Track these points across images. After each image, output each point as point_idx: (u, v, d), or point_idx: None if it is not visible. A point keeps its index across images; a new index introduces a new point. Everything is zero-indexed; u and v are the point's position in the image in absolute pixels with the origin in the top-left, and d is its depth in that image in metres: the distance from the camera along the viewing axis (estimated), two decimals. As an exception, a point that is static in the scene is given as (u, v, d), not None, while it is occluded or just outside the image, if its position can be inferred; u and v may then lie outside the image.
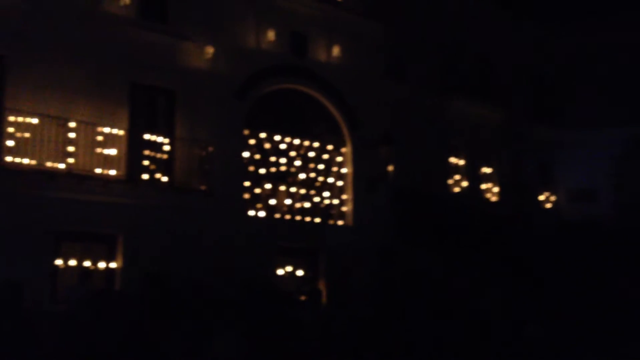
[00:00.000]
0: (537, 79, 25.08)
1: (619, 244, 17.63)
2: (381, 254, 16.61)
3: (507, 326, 12.61)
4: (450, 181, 21.58)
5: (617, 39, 23.69)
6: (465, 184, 21.96)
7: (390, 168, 18.15)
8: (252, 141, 16.58)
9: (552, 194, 24.72)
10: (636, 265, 16.07)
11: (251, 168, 16.49)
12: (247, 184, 16.26)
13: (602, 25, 23.90)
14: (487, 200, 22.65)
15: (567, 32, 24.42)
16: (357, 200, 17.85)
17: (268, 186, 16.63)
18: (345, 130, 18.11)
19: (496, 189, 22.97)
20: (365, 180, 17.99)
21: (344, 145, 18.12)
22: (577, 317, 13.37)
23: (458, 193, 21.65)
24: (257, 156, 16.63)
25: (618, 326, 12.80)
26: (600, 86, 23.91)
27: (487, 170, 22.89)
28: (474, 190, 22.18)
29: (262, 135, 16.74)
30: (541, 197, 24.49)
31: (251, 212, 16.22)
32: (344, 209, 17.84)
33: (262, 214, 16.39)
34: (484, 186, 22.73)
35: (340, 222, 17.72)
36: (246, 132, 16.40)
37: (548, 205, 24.66)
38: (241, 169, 16.16)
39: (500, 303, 14.10)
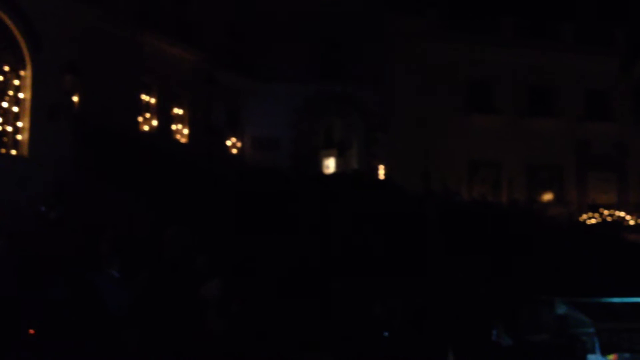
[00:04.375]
0: (234, 27, 25.77)
1: (290, 189, 19.23)
2: (56, 187, 15.77)
3: (180, 257, 13.06)
4: (139, 119, 21.26)
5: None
6: (155, 123, 21.83)
7: (75, 98, 17.22)
8: None
9: (238, 140, 25.88)
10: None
11: None
12: None
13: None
14: (177, 141, 22.84)
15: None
16: (34, 129, 16.59)
17: None
18: (26, 52, 16.58)
19: (186, 131, 23.28)
20: (45, 109, 16.76)
21: (23, 68, 16.60)
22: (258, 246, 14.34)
23: (147, 132, 21.45)
24: None
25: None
26: (289, 44, 25.59)
27: (178, 111, 23.02)
28: (164, 130, 22.18)
29: None
30: (228, 143, 25.50)
31: None
32: (19, 137, 16.48)
33: None
34: (174, 127, 22.86)
35: (13, 152, 16.36)
36: None
37: (234, 151, 25.79)
38: None
39: (180, 237, 14.49)
